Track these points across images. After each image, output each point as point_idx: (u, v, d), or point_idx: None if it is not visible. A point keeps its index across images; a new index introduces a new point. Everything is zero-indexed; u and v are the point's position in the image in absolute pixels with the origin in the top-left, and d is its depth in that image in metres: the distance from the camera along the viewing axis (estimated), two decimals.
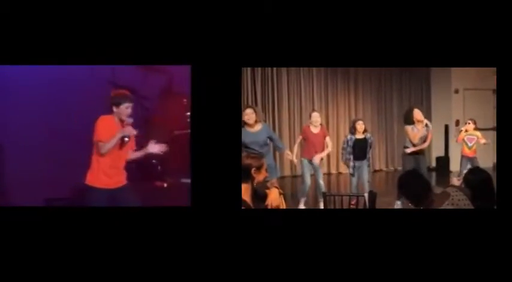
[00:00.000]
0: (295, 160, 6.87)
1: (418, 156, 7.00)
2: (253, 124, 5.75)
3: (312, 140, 7.15)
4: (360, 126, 7.14)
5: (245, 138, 5.61)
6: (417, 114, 6.95)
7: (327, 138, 7.29)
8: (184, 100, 6.70)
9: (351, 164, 7.13)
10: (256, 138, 5.70)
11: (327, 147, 7.33)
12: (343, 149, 7.28)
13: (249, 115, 5.71)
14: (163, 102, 6.81)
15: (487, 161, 8.36)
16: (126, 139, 4.30)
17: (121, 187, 4.40)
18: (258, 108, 6.14)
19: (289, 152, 6.47)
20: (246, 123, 5.72)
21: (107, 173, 4.32)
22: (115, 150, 4.30)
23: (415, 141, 6.90)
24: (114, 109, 4.28)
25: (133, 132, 4.33)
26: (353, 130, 7.17)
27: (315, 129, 7.18)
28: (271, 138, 5.94)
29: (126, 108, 4.27)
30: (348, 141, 7.17)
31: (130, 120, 4.30)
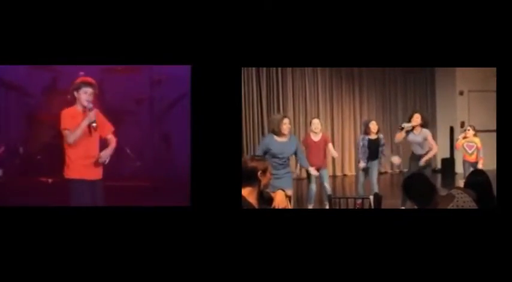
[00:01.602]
0: (316, 173, 6.69)
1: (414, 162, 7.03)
2: (287, 134, 5.57)
3: (313, 148, 7.10)
4: (374, 126, 7.22)
5: (272, 146, 5.46)
6: (416, 118, 6.97)
7: (330, 145, 7.26)
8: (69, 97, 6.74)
9: (363, 164, 7.17)
10: (284, 149, 5.53)
11: (331, 154, 7.34)
12: (358, 149, 7.35)
13: (287, 125, 5.53)
14: (47, 99, 6.79)
15: (491, 163, 8.33)
16: (94, 125, 4.32)
17: (98, 180, 4.44)
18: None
19: (312, 169, 6.36)
20: (280, 133, 5.52)
21: (82, 163, 4.34)
22: (85, 138, 4.33)
23: (396, 141, 7.18)
24: (75, 95, 4.33)
25: (94, 117, 4.33)
26: (367, 130, 7.23)
27: (316, 137, 7.13)
28: (296, 152, 5.73)
29: (84, 93, 4.30)
30: (361, 141, 7.23)
31: (91, 105, 4.32)
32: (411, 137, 6.95)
